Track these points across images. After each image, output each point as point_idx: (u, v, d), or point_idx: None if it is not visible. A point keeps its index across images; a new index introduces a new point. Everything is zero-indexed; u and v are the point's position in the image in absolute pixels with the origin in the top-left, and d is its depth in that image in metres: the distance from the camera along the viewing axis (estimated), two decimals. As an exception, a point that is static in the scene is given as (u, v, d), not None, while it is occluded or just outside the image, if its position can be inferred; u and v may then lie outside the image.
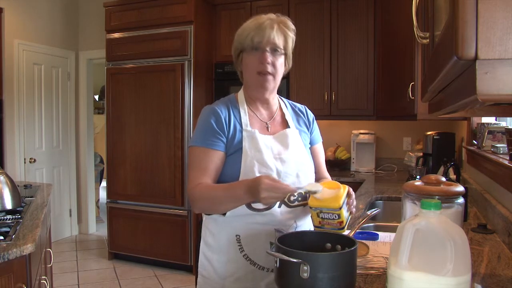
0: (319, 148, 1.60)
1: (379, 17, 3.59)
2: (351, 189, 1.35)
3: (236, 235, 1.38)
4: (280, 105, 1.54)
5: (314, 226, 1.33)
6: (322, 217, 1.28)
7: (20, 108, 4.41)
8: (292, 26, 1.44)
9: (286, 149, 1.41)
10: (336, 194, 1.27)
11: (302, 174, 1.41)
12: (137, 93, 4.00)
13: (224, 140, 1.39)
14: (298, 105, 1.60)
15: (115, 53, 4.12)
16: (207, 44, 4.05)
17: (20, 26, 4.39)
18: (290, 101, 1.60)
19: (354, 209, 1.36)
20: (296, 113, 1.56)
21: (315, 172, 1.51)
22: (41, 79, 4.67)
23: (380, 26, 3.57)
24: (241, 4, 4.02)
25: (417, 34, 0.96)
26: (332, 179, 1.51)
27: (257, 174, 1.32)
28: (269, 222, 1.36)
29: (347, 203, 1.31)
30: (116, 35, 4.12)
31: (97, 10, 4.75)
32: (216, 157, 1.37)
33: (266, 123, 1.47)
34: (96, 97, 7.43)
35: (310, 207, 1.29)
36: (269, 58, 1.38)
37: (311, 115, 1.59)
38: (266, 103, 1.49)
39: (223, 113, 1.41)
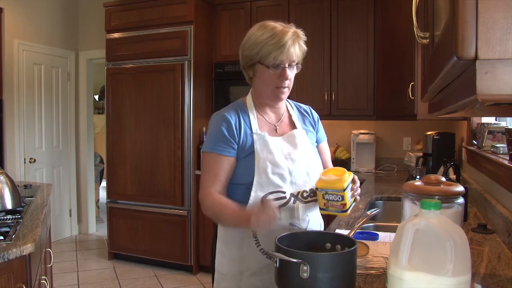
0: (325, 146, 1.68)
1: (379, 17, 3.59)
2: (356, 177, 1.42)
3: (252, 230, 1.43)
4: (287, 107, 1.61)
5: (320, 208, 1.40)
6: (327, 199, 1.36)
7: (20, 108, 4.41)
8: (304, 37, 1.48)
9: (295, 149, 1.50)
10: (341, 177, 1.35)
11: (312, 171, 1.50)
12: (137, 93, 4.00)
13: (235, 146, 1.46)
14: (303, 105, 1.68)
15: (115, 53, 4.12)
16: (207, 44, 4.05)
17: (20, 26, 4.39)
18: (295, 102, 1.67)
19: (358, 197, 1.43)
20: (302, 114, 1.64)
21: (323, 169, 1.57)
22: (41, 79, 4.67)
23: (380, 26, 3.57)
24: (241, 4, 4.02)
25: (417, 34, 0.96)
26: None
27: (270, 175, 1.42)
28: (284, 216, 1.44)
29: (352, 189, 1.37)
30: (116, 35, 4.12)
31: (97, 10, 4.75)
32: (226, 163, 1.45)
33: (275, 125, 1.54)
34: (96, 97, 7.43)
35: (317, 188, 1.37)
36: (289, 75, 1.45)
37: (315, 115, 1.67)
38: (274, 107, 1.56)
39: (233, 120, 1.48)
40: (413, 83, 2.55)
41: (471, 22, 0.49)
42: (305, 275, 1.01)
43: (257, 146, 1.45)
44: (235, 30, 3.99)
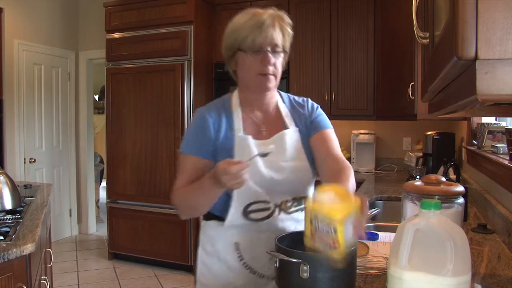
0: (330, 133, 1.39)
1: (379, 17, 3.59)
2: (366, 202, 1.00)
3: (235, 243, 1.35)
4: (277, 104, 1.43)
5: (304, 235, 1.01)
6: (315, 227, 0.97)
7: (20, 108, 4.41)
8: (289, 20, 1.34)
9: (282, 155, 1.33)
10: (346, 202, 0.95)
11: (296, 180, 1.35)
12: (137, 93, 4.00)
13: (211, 148, 1.33)
14: (299, 99, 1.47)
15: (115, 53, 4.12)
16: (207, 44, 4.05)
17: (20, 26, 4.39)
18: (291, 96, 1.48)
19: (363, 234, 0.97)
20: (295, 109, 1.43)
21: (324, 161, 1.33)
22: (41, 79, 4.67)
23: (380, 26, 3.57)
24: (241, 4, 4.01)
25: (417, 34, 0.96)
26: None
27: (250, 183, 1.26)
28: (269, 229, 1.32)
29: (357, 223, 0.95)
30: (116, 35, 4.12)
31: (97, 10, 4.75)
32: (201, 164, 1.32)
33: (261, 126, 1.38)
34: (96, 97, 7.43)
35: (305, 208, 1.01)
36: (272, 59, 1.29)
37: (312, 105, 1.45)
38: (262, 103, 1.39)
39: (212, 118, 1.34)
40: (413, 83, 2.56)
41: (471, 22, 0.49)
42: (305, 275, 1.01)
43: (238, 150, 1.30)
44: (235, 30, 3.99)
